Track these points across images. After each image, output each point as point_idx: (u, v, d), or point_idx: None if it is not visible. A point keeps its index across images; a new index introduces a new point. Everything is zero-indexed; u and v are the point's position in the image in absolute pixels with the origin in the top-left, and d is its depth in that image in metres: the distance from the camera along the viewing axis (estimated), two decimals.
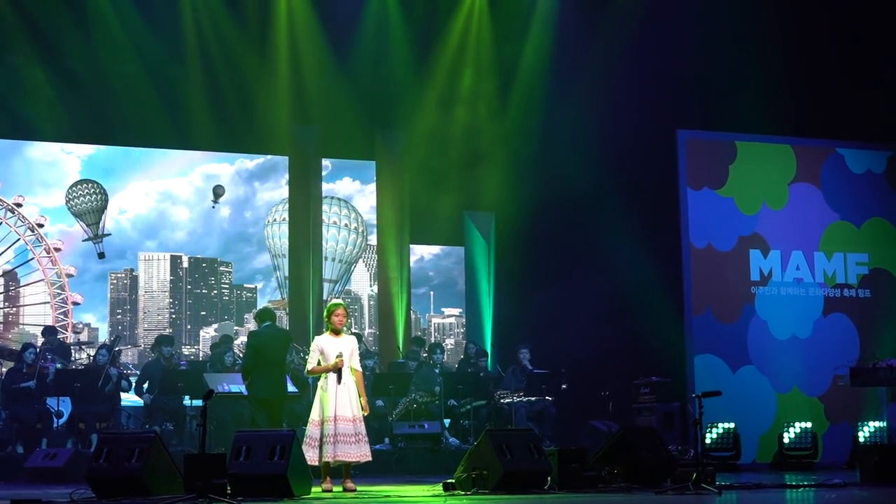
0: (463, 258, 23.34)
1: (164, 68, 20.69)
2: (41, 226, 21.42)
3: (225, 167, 22.52)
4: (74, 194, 21.37)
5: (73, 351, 19.30)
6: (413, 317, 22.96)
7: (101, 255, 21.59)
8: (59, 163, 21.61)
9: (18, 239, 21.32)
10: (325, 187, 22.75)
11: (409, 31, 21.41)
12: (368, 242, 23.13)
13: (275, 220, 22.58)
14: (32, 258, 21.46)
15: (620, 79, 20.32)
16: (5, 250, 21.22)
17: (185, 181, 22.27)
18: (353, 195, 23.16)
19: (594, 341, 19.90)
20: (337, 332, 12.76)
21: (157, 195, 22.08)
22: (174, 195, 22.16)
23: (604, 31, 20.47)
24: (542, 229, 21.40)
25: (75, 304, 21.56)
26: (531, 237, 21.46)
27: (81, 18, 19.96)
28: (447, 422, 18.63)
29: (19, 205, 21.29)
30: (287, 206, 22.50)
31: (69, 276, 21.58)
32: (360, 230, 23.02)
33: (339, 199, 22.92)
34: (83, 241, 21.55)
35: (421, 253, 23.24)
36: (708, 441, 18.37)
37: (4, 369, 18.69)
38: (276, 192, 22.68)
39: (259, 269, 22.71)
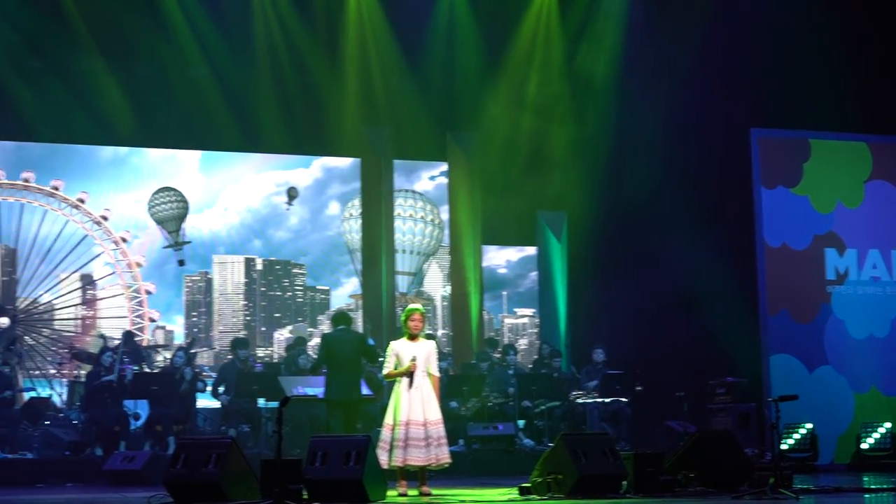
0: (536, 258, 23.31)
1: (236, 72, 20.88)
2: (105, 219, 21.67)
3: (298, 169, 22.64)
4: (157, 201, 21.60)
5: (149, 354, 19.48)
6: (486, 317, 22.95)
7: (181, 263, 21.79)
8: (130, 166, 21.87)
9: (86, 235, 21.60)
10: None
11: (479, 30, 21.45)
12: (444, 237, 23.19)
13: (351, 214, 22.68)
14: (102, 252, 21.72)
15: (692, 77, 20.20)
16: (74, 247, 21.51)
17: (258, 184, 22.41)
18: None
19: (668, 341, 19.82)
20: (413, 337, 12.78)
21: (232, 198, 22.24)
22: (248, 198, 22.31)
23: (675, 29, 20.36)
24: (614, 228, 21.30)
25: (148, 292, 21.79)
26: (604, 236, 21.38)
27: (154, 24, 20.19)
28: (521, 423, 18.61)
29: (82, 200, 21.55)
30: (356, 202, 22.60)
31: (139, 265, 21.82)
32: (435, 222, 23.04)
33: (414, 191, 22.95)
34: (163, 248, 21.78)
35: (494, 253, 23.21)
36: (785, 447, 18.18)
37: (83, 372, 18.91)
38: (349, 193, 22.76)
39: (332, 271, 22.80)
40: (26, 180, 21.32)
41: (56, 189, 21.44)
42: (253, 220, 22.39)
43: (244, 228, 22.40)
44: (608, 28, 21.56)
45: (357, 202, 22.66)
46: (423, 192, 23.09)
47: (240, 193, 22.28)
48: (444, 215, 23.04)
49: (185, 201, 21.70)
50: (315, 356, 18.24)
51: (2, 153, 21.32)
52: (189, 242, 21.74)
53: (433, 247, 23.03)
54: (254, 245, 22.49)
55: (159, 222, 21.58)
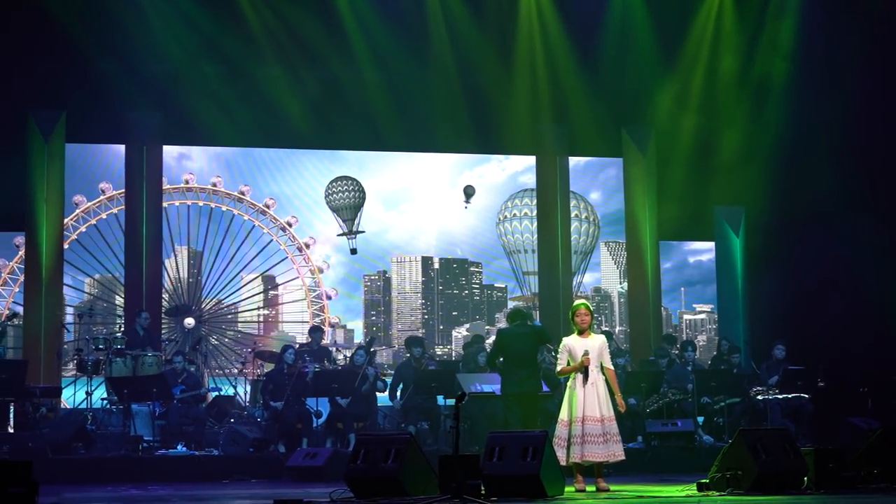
0: (714, 253, 23.06)
1: (410, 73, 21.13)
2: (290, 225, 22.10)
3: (474, 168, 22.76)
4: (334, 189, 21.96)
5: (330, 352, 19.78)
6: (664, 314, 22.79)
7: (353, 251, 22.16)
8: (314, 171, 22.24)
9: (271, 240, 22.05)
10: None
11: (654, 25, 21.28)
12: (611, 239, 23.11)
13: (505, 216, 22.73)
14: (286, 258, 22.16)
15: (876, 76, 19.83)
16: (259, 252, 21.98)
17: (435, 183, 22.60)
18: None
19: (851, 336, 19.44)
20: (582, 332, 12.76)
21: (409, 197, 22.47)
22: (425, 196, 22.50)
23: (852, 23, 20.03)
24: (794, 222, 21.02)
25: (328, 297, 22.17)
26: (783, 230, 21.09)
27: (331, 29, 20.49)
28: (701, 419, 18.43)
29: (268, 206, 22.01)
30: (515, 201, 22.64)
31: (321, 270, 22.20)
32: (591, 219, 22.96)
33: (570, 190, 22.85)
34: (338, 235, 22.14)
35: (671, 249, 23.01)
36: None
37: (265, 371, 19.28)
38: (522, 189, 22.79)
39: (509, 270, 22.87)
40: (215, 185, 21.87)
41: (243, 194, 21.94)
42: (430, 219, 22.58)
43: (421, 227, 22.61)
44: (784, 20, 21.21)
45: (510, 204, 22.71)
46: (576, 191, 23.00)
47: (417, 193, 22.49)
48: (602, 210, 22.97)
49: (362, 191, 22.02)
50: None
51: (193, 158, 21.87)
52: (363, 232, 22.07)
53: (591, 245, 22.94)
54: (430, 243, 22.68)
55: (335, 210, 21.94)
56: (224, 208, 21.97)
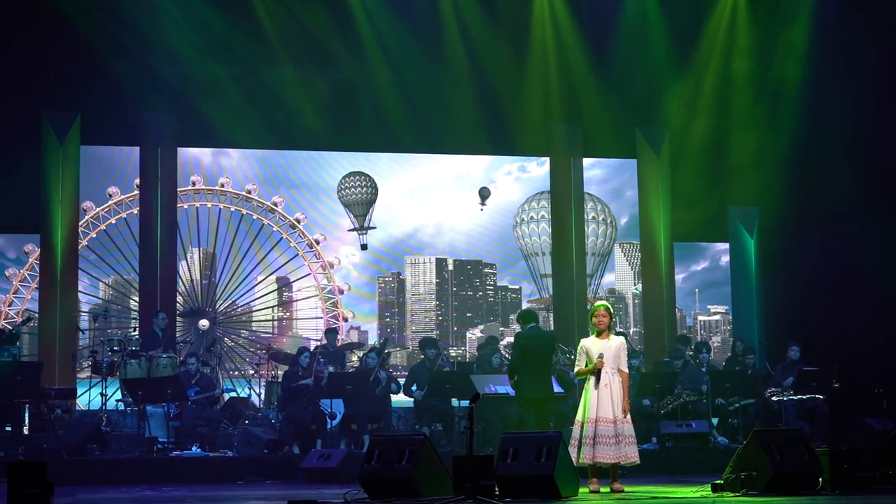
0: (728, 254, 23.02)
1: (423, 74, 21.14)
2: (299, 221, 22.14)
3: (488, 169, 22.76)
4: (347, 184, 21.99)
5: (345, 354, 19.80)
6: (678, 315, 22.75)
7: (364, 247, 22.18)
8: (321, 169, 22.27)
9: (281, 238, 22.10)
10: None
11: (667, 26, 21.26)
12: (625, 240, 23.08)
13: (522, 219, 22.71)
14: (297, 255, 22.19)
15: (891, 75, 19.80)
16: (270, 250, 22.03)
17: (449, 184, 22.60)
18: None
19: (866, 337, 19.40)
20: (601, 333, 12.75)
21: (422, 198, 22.47)
22: (439, 198, 22.50)
23: (867, 23, 19.98)
24: (808, 223, 20.96)
25: (341, 291, 22.20)
26: (797, 231, 21.05)
27: (344, 30, 20.52)
28: (715, 420, 18.40)
29: (276, 204, 22.06)
30: (532, 204, 22.63)
31: (332, 265, 22.24)
32: (608, 221, 22.93)
33: (587, 192, 22.83)
34: (348, 230, 22.16)
35: (684, 248, 22.96)
36: None
37: (281, 372, 19.30)
38: (538, 192, 22.78)
39: (523, 271, 22.86)
40: (222, 185, 21.91)
41: (250, 193, 21.97)
42: (444, 221, 22.58)
43: (435, 229, 22.61)
44: (801, 21, 21.18)
45: (528, 206, 22.69)
46: (592, 193, 22.97)
47: (430, 194, 22.49)
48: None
49: (374, 187, 22.03)
50: (507, 355, 18.33)
51: (199, 160, 21.92)
52: (374, 227, 22.09)
53: (608, 247, 22.92)
54: (444, 244, 22.68)
55: (347, 205, 21.96)
56: (233, 208, 22.01)
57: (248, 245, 21.93)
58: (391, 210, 22.26)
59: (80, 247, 20.77)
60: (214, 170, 22.01)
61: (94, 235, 21.35)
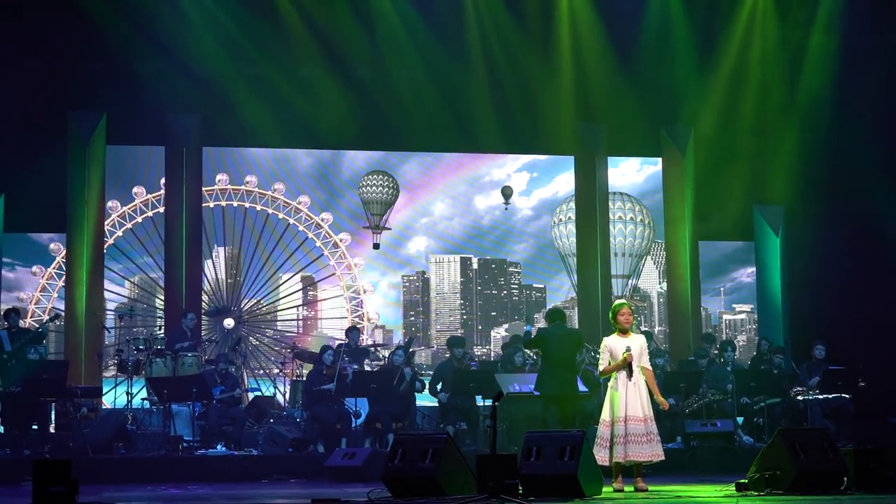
0: (753, 253, 22.95)
1: (450, 73, 21.13)
2: (325, 221, 22.20)
3: (512, 168, 22.76)
4: (369, 182, 22.03)
5: (369, 353, 19.82)
6: (703, 314, 22.69)
7: (376, 246, 22.21)
8: (346, 169, 22.32)
9: (307, 238, 22.15)
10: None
11: (692, 25, 21.20)
12: (656, 238, 23.01)
13: (560, 219, 22.70)
14: (323, 254, 22.24)
15: None
16: (296, 250, 22.09)
17: (473, 183, 22.60)
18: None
19: (892, 336, 19.32)
20: (624, 332, 12.76)
21: (446, 198, 22.48)
22: (464, 198, 22.50)
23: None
24: (834, 221, 20.89)
25: (365, 291, 22.24)
26: (823, 229, 20.97)
27: (369, 29, 20.55)
28: (740, 420, 18.35)
29: (302, 203, 22.13)
30: (570, 204, 22.59)
31: (357, 265, 22.27)
32: (646, 222, 22.89)
33: (622, 193, 22.82)
34: (363, 227, 22.18)
35: (711, 248, 22.89)
36: None
37: (305, 371, 19.32)
38: (563, 192, 22.77)
39: (547, 269, 22.85)
40: (247, 183, 21.97)
41: (276, 192, 22.03)
42: (468, 219, 22.59)
43: (460, 227, 22.62)
44: (826, 16, 21.09)
45: (566, 206, 22.68)
46: (627, 193, 22.94)
47: (455, 193, 22.50)
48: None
49: (396, 189, 22.07)
50: (532, 355, 18.31)
51: (225, 159, 21.97)
52: (389, 229, 22.11)
53: (645, 247, 22.89)
54: (468, 243, 22.69)
55: (366, 203, 21.99)
56: (258, 208, 22.06)
57: (274, 244, 21.99)
58: (414, 207, 22.27)
59: (105, 246, 20.84)
60: (240, 169, 22.06)
61: (121, 234, 21.42)
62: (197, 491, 14.10)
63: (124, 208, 21.51)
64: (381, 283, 22.51)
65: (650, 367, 12.78)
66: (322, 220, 22.23)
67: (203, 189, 21.36)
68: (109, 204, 21.15)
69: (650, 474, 13.33)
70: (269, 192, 22.08)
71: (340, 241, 22.27)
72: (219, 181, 21.92)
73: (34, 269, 21.15)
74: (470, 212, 22.58)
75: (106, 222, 20.99)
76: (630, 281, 22.74)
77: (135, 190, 21.60)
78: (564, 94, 21.72)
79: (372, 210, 22.04)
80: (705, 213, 22.20)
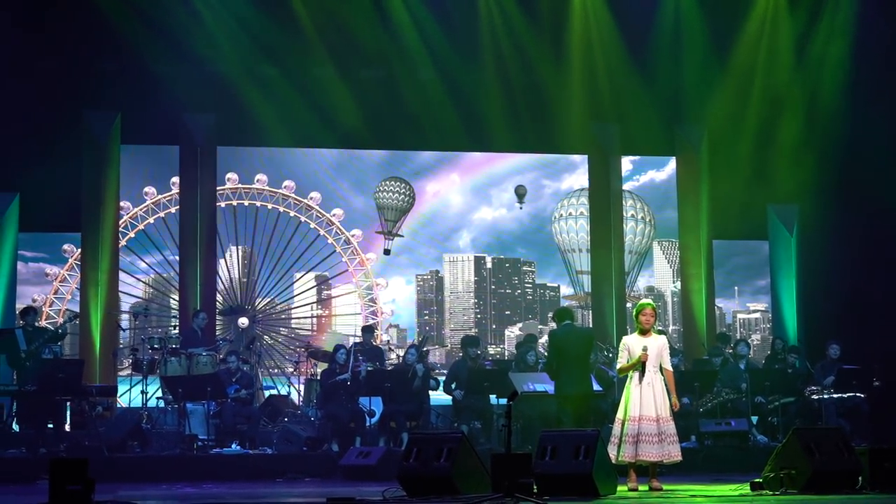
0: (767, 252, 22.92)
1: (462, 72, 21.12)
2: (336, 217, 22.23)
3: (527, 167, 22.76)
4: (385, 188, 22.05)
5: (383, 351, 19.83)
6: (717, 313, 22.67)
7: (387, 252, 22.23)
8: (359, 167, 22.33)
9: (318, 235, 22.18)
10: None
11: (705, 22, 21.17)
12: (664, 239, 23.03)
13: (561, 215, 22.70)
14: (335, 251, 22.26)
15: None
16: (308, 247, 22.11)
17: (487, 182, 22.61)
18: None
19: None
20: (644, 332, 12.78)
21: (460, 197, 22.49)
22: (477, 196, 22.52)
23: None
24: (848, 220, 20.85)
25: (378, 285, 22.26)
26: (838, 228, 20.93)
27: (381, 28, 20.54)
28: (755, 419, 18.32)
29: (313, 199, 22.16)
30: (571, 200, 22.61)
31: (369, 261, 22.31)
32: (647, 219, 22.88)
33: (626, 190, 22.79)
34: (376, 232, 22.21)
35: (724, 247, 22.87)
36: None
37: (319, 370, 19.34)
38: (580, 189, 22.76)
39: (561, 269, 22.85)
40: (258, 181, 22.01)
41: (287, 190, 22.06)
42: (482, 219, 22.60)
43: (472, 227, 22.63)
44: (840, 15, 21.06)
45: (567, 202, 22.68)
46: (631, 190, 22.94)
47: (468, 192, 22.51)
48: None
49: (412, 197, 22.09)
50: (545, 353, 18.33)
51: (236, 158, 22.00)
52: (402, 236, 22.13)
53: (646, 245, 22.88)
54: (482, 242, 22.70)
55: (380, 208, 22.01)
56: (270, 206, 22.09)
57: (286, 243, 22.02)
58: (427, 206, 22.28)
59: (120, 244, 20.90)
60: (251, 167, 22.09)
61: (133, 235, 21.47)
62: (212, 490, 14.12)
63: (136, 209, 21.55)
64: (398, 281, 22.57)
65: (671, 368, 12.81)
66: (333, 215, 22.25)
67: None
68: (121, 204, 21.18)
69: (664, 473, 13.33)
70: (280, 191, 22.10)
71: (352, 237, 22.28)
72: (229, 180, 21.93)
73: (47, 270, 21.20)
74: (484, 210, 22.56)
75: (121, 222, 21.02)
76: (631, 277, 22.71)
77: (146, 190, 21.64)
78: (577, 93, 21.70)
79: (386, 216, 22.08)
80: (719, 211, 22.16)
